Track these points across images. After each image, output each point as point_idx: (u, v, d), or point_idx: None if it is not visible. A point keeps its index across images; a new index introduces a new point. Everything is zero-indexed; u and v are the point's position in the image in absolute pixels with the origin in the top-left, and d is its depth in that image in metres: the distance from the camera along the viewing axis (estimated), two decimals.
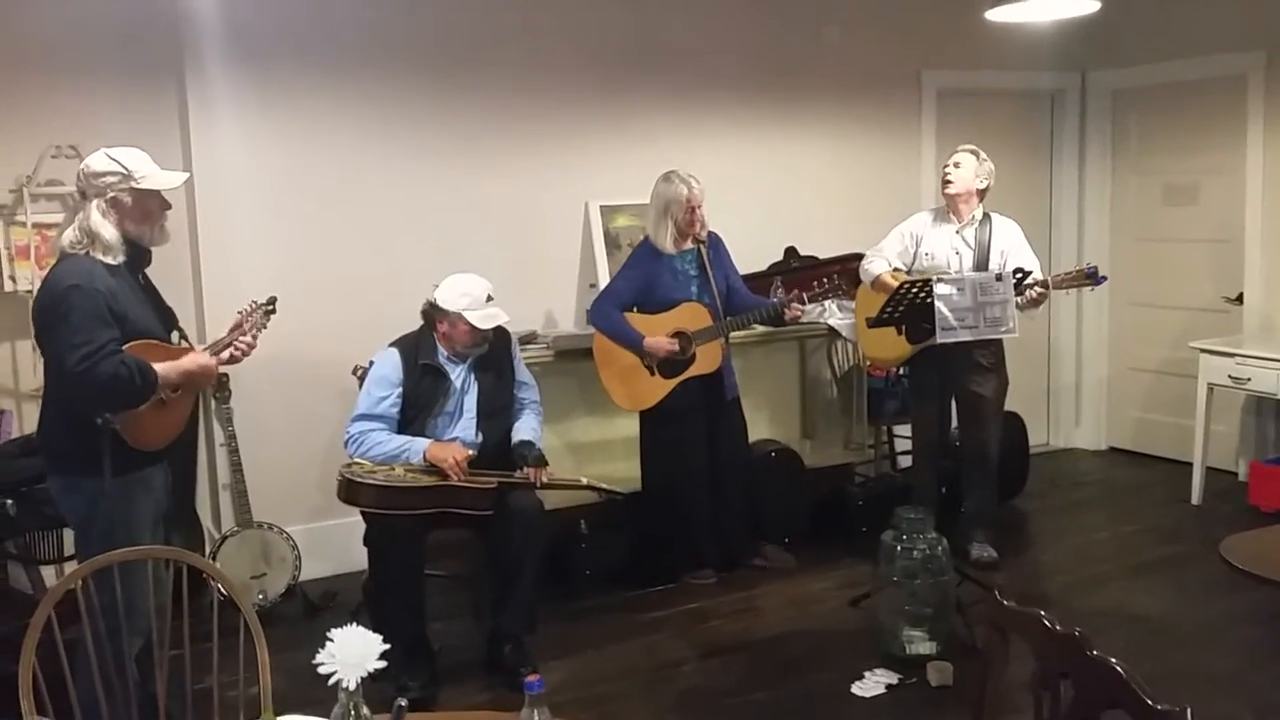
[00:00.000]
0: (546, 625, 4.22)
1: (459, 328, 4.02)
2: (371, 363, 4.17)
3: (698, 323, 4.74)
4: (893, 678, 3.94)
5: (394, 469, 3.89)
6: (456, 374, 4.10)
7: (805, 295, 4.63)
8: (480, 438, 4.08)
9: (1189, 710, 1.57)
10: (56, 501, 3.26)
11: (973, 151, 4.88)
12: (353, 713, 1.60)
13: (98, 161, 3.12)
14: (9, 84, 4.53)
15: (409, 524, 3.85)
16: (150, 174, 3.16)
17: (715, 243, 4.89)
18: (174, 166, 4.65)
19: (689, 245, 4.81)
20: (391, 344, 4.13)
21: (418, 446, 3.93)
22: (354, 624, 1.66)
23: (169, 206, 3.27)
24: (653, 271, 4.79)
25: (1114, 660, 1.71)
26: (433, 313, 4.09)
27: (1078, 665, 1.77)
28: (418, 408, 4.03)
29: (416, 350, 4.07)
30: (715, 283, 4.80)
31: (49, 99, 4.57)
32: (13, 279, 4.48)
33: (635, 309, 4.81)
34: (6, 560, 4.25)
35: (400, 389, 4.03)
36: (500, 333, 4.17)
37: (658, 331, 4.72)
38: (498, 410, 4.15)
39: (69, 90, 4.60)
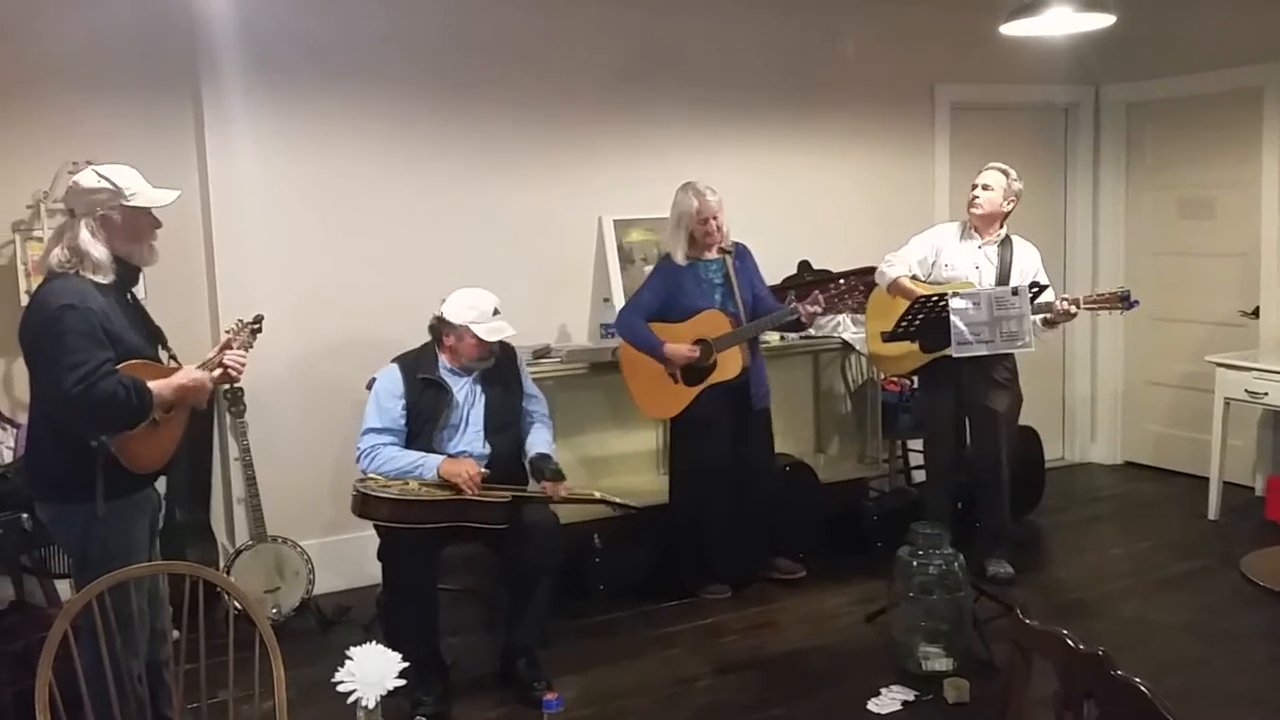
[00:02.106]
0: (560, 640, 4.22)
1: (466, 341, 4.05)
2: (374, 379, 4.19)
3: (718, 329, 4.74)
4: (909, 694, 3.91)
5: (408, 483, 3.90)
6: (460, 387, 4.11)
7: (822, 297, 4.61)
8: (488, 449, 4.09)
9: None
10: (50, 529, 3.21)
11: (1003, 171, 4.84)
12: None
13: (87, 179, 3.06)
14: (26, 100, 4.55)
15: (423, 538, 3.84)
16: (141, 191, 3.10)
17: (742, 253, 4.90)
18: (189, 180, 4.72)
19: (713, 255, 4.81)
20: (392, 360, 4.17)
21: (431, 463, 3.93)
22: (369, 639, 1.66)
23: (159, 225, 3.20)
24: (676, 281, 4.80)
25: (1138, 680, 1.69)
26: (440, 326, 4.12)
27: (1101, 685, 1.75)
28: (421, 421, 4.05)
29: (416, 365, 4.11)
30: (740, 292, 4.80)
31: (66, 115, 4.59)
32: (29, 293, 4.48)
33: (661, 319, 4.81)
34: (22, 574, 4.26)
35: (403, 402, 4.06)
36: (505, 347, 4.20)
37: (679, 339, 4.72)
38: (506, 423, 4.17)
39: (85, 106, 4.62)
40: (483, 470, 3.93)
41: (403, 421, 4.05)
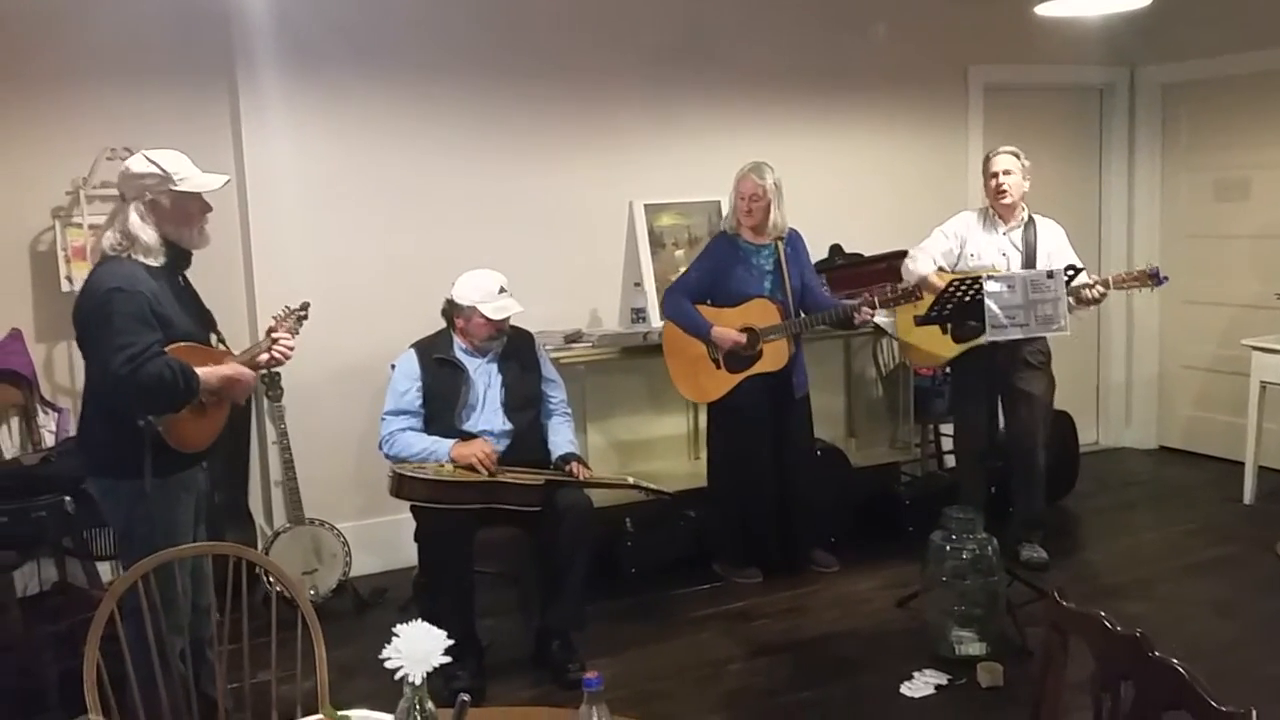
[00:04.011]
0: (592, 623, 4.23)
1: (474, 321, 4.12)
2: (393, 365, 4.27)
3: (766, 320, 4.73)
4: (942, 678, 3.92)
5: (444, 465, 3.95)
6: (475, 367, 4.18)
7: (877, 299, 4.60)
8: (510, 426, 4.15)
9: (1254, 712, 1.55)
10: (98, 504, 3.29)
11: (1014, 153, 4.82)
12: (418, 707, 1.63)
13: (137, 164, 3.13)
14: (65, 87, 4.61)
15: (459, 519, 3.89)
16: (189, 176, 3.16)
17: (794, 240, 4.88)
18: (226, 167, 4.76)
19: (766, 240, 4.80)
20: (410, 346, 4.25)
21: (443, 449, 4.01)
22: (405, 620, 1.69)
23: (209, 209, 3.26)
24: (727, 264, 4.79)
25: (1176, 661, 1.69)
26: (451, 309, 4.20)
27: (1139, 666, 1.76)
28: (439, 401, 4.13)
29: (432, 347, 4.20)
30: (790, 280, 4.79)
31: (104, 102, 4.65)
32: (69, 279, 4.56)
33: (709, 302, 4.81)
34: (65, 556, 4.33)
35: (419, 383, 4.14)
36: (522, 333, 4.30)
37: (727, 325, 4.72)
38: (525, 403, 4.23)
39: (123, 93, 4.68)
40: (496, 449, 3.99)
41: (417, 404, 4.13)
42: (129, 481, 3.08)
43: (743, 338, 4.70)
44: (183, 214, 3.17)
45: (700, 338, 4.75)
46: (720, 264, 4.79)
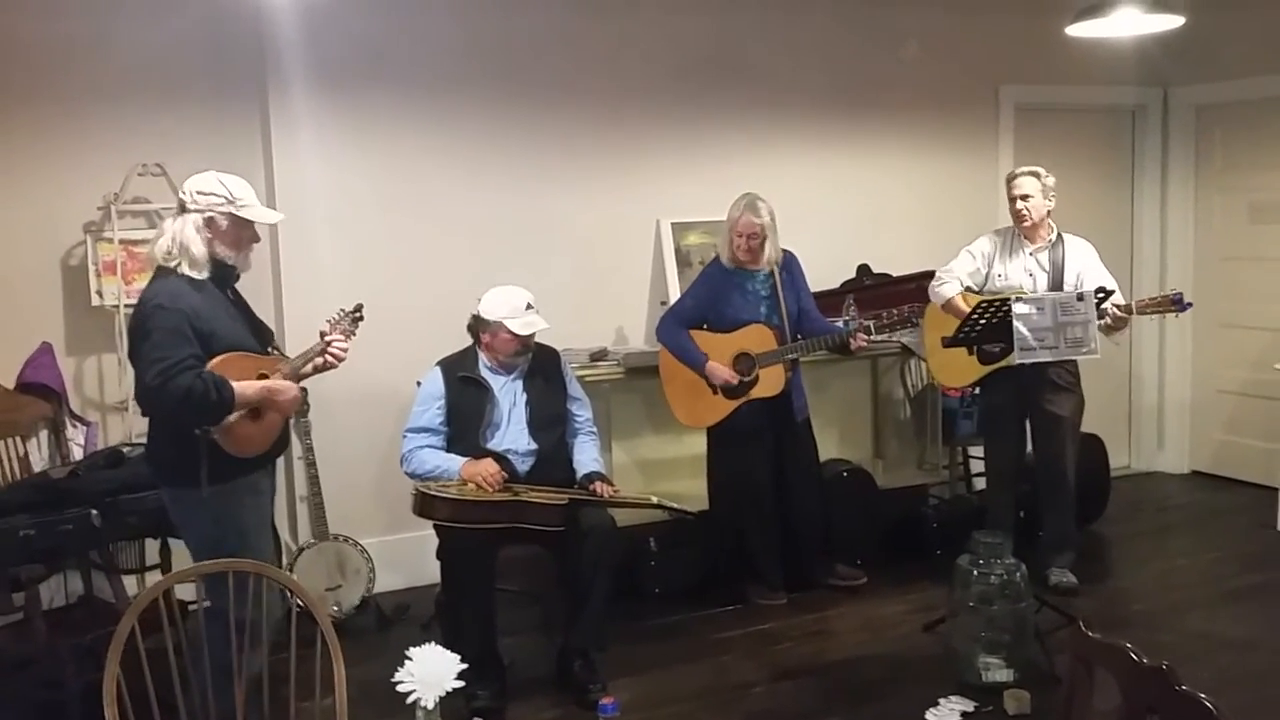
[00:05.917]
0: (615, 643, 4.21)
1: (500, 336, 4.12)
2: (419, 382, 4.27)
3: (762, 345, 4.71)
4: (968, 705, 3.86)
5: (466, 484, 3.94)
6: (500, 385, 4.17)
7: (873, 325, 4.57)
8: (534, 445, 4.13)
9: None
10: (169, 511, 3.38)
11: (1033, 173, 4.77)
12: None
13: (206, 181, 3.25)
14: (98, 105, 4.67)
15: (481, 538, 3.87)
16: (251, 205, 3.29)
17: (789, 263, 4.85)
18: (256, 184, 4.73)
19: (762, 266, 4.78)
20: (437, 363, 4.26)
21: (454, 466, 4.01)
22: (428, 637, 1.68)
23: (258, 239, 3.39)
24: (722, 290, 4.77)
25: (1203, 696, 1.66)
26: (477, 325, 4.19)
27: (1166, 700, 1.72)
28: (464, 419, 4.12)
29: (458, 365, 4.20)
30: (786, 305, 4.77)
31: (136, 119, 4.71)
32: (99, 294, 4.61)
33: (705, 326, 4.80)
34: (91, 570, 4.35)
35: (442, 401, 4.14)
36: (548, 351, 4.29)
37: (722, 351, 4.70)
38: (550, 421, 4.22)
39: (156, 111, 4.73)
40: (500, 473, 3.97)
41: (438, 422, 4.13)
42: (190, 489, 3.17)
43: (735, 377, 4.68)
44: (235, 237, 3.29)
45: (695, 370, 4.74)
46: (716, 292, 4.78)
